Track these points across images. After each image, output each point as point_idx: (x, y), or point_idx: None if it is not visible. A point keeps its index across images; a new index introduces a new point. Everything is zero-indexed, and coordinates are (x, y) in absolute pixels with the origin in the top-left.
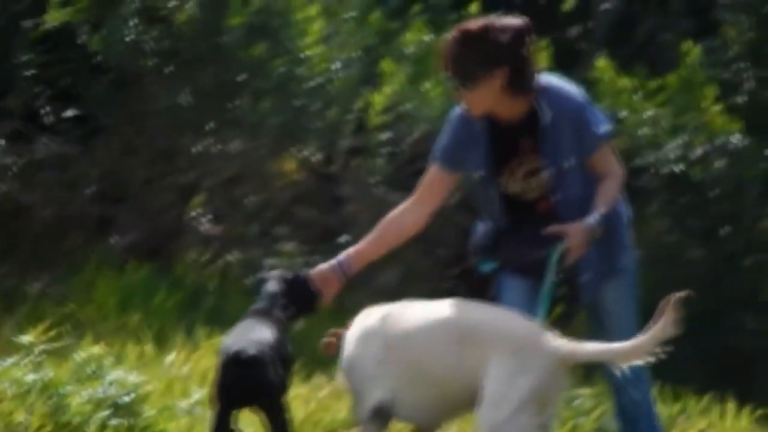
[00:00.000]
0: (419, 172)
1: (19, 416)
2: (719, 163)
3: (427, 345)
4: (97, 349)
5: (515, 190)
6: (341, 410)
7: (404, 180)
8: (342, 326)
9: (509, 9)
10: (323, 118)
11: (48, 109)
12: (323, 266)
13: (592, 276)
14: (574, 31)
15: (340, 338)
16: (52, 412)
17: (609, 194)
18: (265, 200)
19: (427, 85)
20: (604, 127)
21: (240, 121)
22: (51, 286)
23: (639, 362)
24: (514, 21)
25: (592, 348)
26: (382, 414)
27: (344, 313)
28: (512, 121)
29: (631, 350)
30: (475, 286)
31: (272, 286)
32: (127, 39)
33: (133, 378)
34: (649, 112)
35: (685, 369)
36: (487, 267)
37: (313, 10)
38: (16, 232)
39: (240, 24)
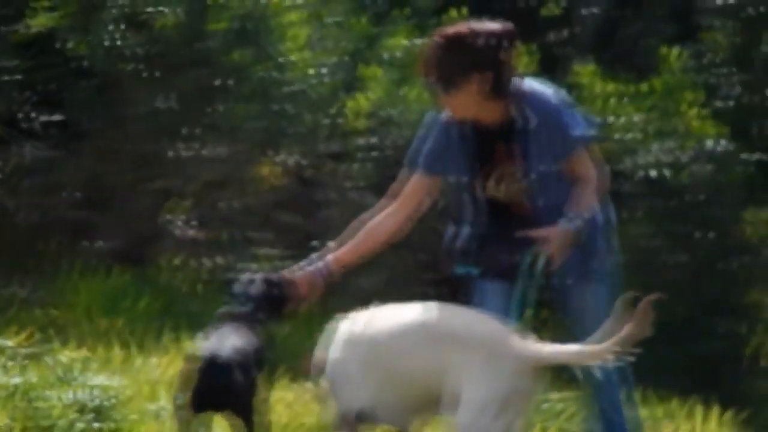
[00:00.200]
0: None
1: (2, 420)
2: (700, 168)
3: (403, 348)
4: (80, 354)
5: (495, 194)
6: (325, 415)
7: (387, 185)
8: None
9: (493, 14)
10: (304, 123)
11: (31, 114)
12: (307, 269)
13: (566, 280)
14: (558, 35)
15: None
16: (35, 416)
17: (584, 198)
18: (245, 205)
19: (408, 89)
20: (581, 130)
21: (221, 126)
22: (34, 291)
23: (607, 363)
24: (492, 25)
25: (557, 350)
26: (364, 418)
27: (328, 317)
28: (492, 125)
29: (596, 351)
30: (453, 290)
31: (247, 288)
32: (107, 43)
33: (115, 382)
34: (634, 117)
35: (669, 373)
36: (463, 271)
37: (294, 15)
38: None
39: (221, 29)
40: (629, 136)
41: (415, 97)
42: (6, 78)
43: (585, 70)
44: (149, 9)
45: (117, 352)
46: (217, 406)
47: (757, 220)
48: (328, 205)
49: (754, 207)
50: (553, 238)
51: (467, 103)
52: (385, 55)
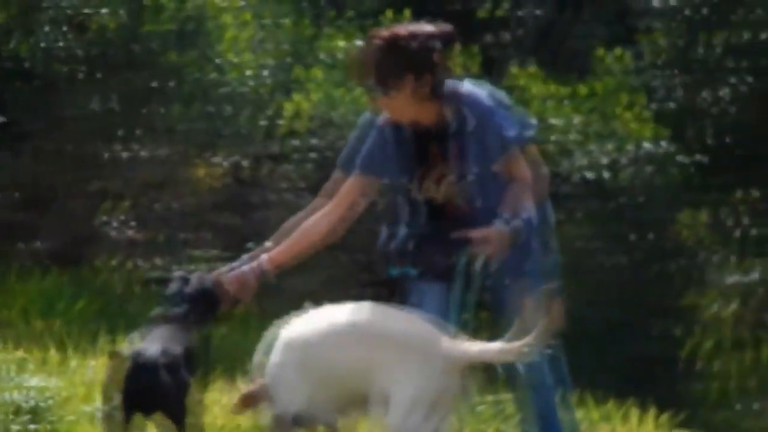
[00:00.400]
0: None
1: None
2: (639, 170)
3: (334, 349)
4: (15, 355)
5: (433, 195)
6: (263, 417)
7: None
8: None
9: (433, 16)
10: (242, 125)
11: None
12: (241, 269)
13: (502, 281)
14: (499, 37)
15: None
16: None
17: (519, 199)
18: (183, 206)
19: (348, 91)
20: (516, 132)
21: (159, 127)
22: None
23: (531, 359)
24: (429, 28)
25: (483, 349)
26: (300, 422)
27: (265, 318)
28: (429, 127)
29: (517, 348)
30: (390, 291)
31: (180, 289)
32: (46, 45)
33: (51, 384)
34: (573, 119)
35: (606, 375)
36: (399, 272)
37: (229, 17)
38: None
39: (158, 30)
40: (568, 137)
41: (354, 98)
42: None
43: (523, 72)
44: (88, 10)
45: (53, 353)
46: (146, 409)
47: (694, 222)
48: (266, 206)
49: (692, 209)
50: (489, 239)
51: (404, 105)
52: (325, 57)
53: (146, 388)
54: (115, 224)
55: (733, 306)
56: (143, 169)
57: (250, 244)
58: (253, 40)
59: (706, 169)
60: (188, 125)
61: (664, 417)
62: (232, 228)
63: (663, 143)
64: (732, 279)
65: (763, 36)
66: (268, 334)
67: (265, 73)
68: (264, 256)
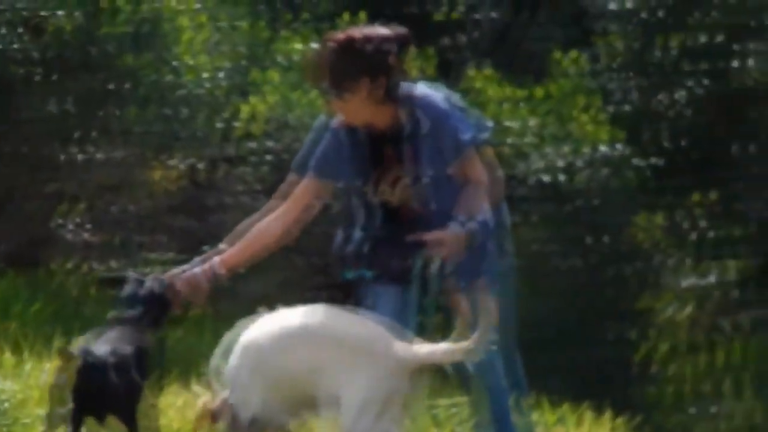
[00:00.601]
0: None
1: None
2: (594, 173)
3: (284, 351)
4: None
5: (388, 198)
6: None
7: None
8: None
9: (389, 18)
10: (199, 127)
11: None
12: (193, 271)
13: (457, 283)
14: (455, 40)
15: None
16: None
17: (474, 202)
18: (139, 209)
19: (304, 93)
20: (471, 134)
21: (115, 129)
22: None
23: (474, 359)
24: (384, 30)
25: (432, 350)
26: (257, 425)
27: (220, 321)
28: (384, 129)
29: (463, 348)
30: (345, 294)
31: (133, 290)
32: (1, 46)
33: (6, 386)
34: (529, 121)
35: (561, 378)
36: (354, 275)
37: (185, 20)
38: None
39: (115, 33)
40: (524, 140)
41: (310, 101)
42: None
43: (479, 75)
44: (44, 12)
45: (8, 356)
46: (96, 410)
47: (650, 225)
48: (222, 209)
49: (648, 212)
50: (445, 242)
51: (359, 108)
52: (281, 60)
53: (96, 388)
54: (70, 226)
55: (689, 309)
56: (99, 172)
57: (205, 247)
58: (209, 42)
59: (662, 172)
60: (144, 127)
61: (619, 420)
62: (188, 231)
63: (619, 146)
64: (687, 282)
65: (718, 39)
66: (225, 338)
67: (221, 75)
68: (216, 259)
